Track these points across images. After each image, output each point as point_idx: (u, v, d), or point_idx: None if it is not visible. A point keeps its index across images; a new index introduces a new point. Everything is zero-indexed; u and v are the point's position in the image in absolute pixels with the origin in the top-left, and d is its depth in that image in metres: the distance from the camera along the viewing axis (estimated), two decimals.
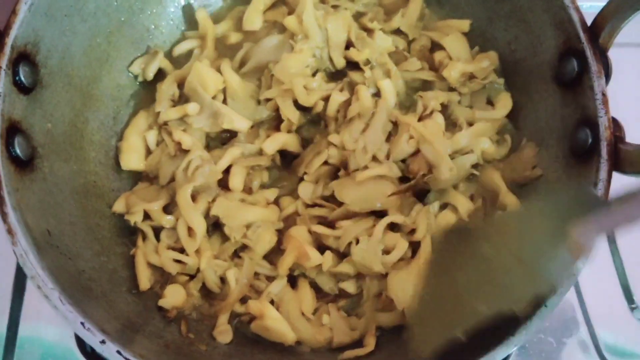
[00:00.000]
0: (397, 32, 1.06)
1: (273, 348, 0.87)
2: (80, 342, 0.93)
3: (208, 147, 0.97)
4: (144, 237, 0.92)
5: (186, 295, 0.89)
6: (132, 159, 0.97)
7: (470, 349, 0.72)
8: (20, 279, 1.00)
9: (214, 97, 0.96)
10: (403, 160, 0.95)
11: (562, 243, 0.67)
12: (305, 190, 0.95)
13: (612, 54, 0.85)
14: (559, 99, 0.89)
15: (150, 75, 1.01)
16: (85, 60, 0.93)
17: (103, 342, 0.68)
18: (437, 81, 1.01)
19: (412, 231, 0.91)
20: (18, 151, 0.76)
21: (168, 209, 0.92)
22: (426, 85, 1.02)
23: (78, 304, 0.70)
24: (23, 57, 0.79)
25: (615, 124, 0.81)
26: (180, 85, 0.99)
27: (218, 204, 0.90)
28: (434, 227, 0.91)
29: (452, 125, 0.97)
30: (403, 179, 0.94)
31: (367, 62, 0.99)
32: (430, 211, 0.92)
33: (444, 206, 0.95)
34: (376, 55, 0.99)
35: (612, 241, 1.07)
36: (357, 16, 1.04)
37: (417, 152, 0.94)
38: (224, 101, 0.97)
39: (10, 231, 0.70)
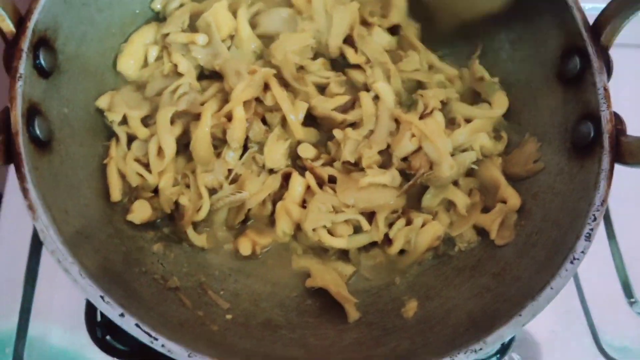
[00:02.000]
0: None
1: (283, 328, 0.88)
2: (92, 329, 0.94)
3: (198, 79, 1.00)
4: (117, 142, 0.95)
5: (151, 209, 0.93)
6: (129, 64, 0.99)
7: (479, 328, 0.75)
8: (31, 275, 1.01)
9: (222, 41, 0.99)
10: (404, 158, 0.97)
11: None
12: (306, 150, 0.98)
13: (612, 54, 0.88)
14: (562, 95, 0.92)
15: (171, 8, 1.02)
16: (101, 49, 0.95)
17: (122, 315, 0.69)
18: (429, 80, 1.04)
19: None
20: (38, 132, 0.77)
21: (145, 121, 0.96)
22: (421, 85, 1.05)
23: (96, 280, 0.70)
24: (43, 42, 0.81)
25: (617, 118, 0.84)
26: (193, 17, 1.01)
27: None
28: (413, 243, 0.95)
29: (450, 123, 1.00)
30: (403, 175, 0.97)
31: (367, 60, 1.02)
32: (414, 225, 0.95)
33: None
34: (376, 54, 1.01)
35: (611, 236, 1.09)
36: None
37: (418, 149, 0.96)
38: (229, 48, 1.00)
39: (31, 207, 0.71)
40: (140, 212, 0.92)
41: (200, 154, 0.93)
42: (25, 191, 0.71)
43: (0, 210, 1.04)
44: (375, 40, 1.03)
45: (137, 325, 0.68)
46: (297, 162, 0.99)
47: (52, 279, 1.00)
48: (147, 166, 0.94)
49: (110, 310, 0.69)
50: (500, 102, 1.02)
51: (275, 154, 0.95)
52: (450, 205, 0.99)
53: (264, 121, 0.98)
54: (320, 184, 0.96)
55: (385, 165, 0.97)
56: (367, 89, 1.01)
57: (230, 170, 0.95)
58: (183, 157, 0.96)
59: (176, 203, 0.94)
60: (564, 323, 1.03)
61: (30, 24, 0.78)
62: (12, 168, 0.90)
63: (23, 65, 0.76)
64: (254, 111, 0.96)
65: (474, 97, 1.06)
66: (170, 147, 0.92)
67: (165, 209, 0.94)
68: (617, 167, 0.81)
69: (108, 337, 0.96)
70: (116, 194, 0.92)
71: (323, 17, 1.01)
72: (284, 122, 0.97)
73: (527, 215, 0.92)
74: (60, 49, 0.85)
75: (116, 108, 0.94)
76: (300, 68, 1.01)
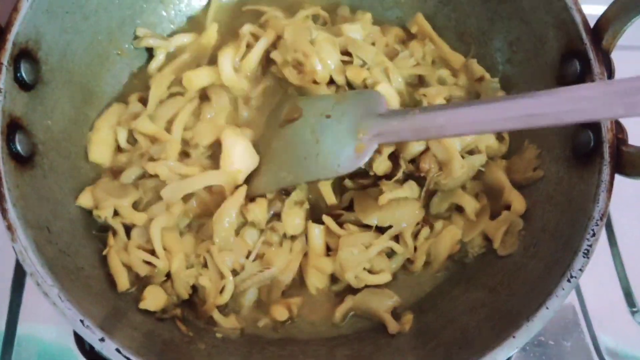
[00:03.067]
0: None
1: (273, 344, 0.87)
2: (79, 340, 0.93)
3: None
4: (114, 235, 0.89)
5: (165, 294, 0.87)
6: (101, 152, 0.94)
7: (473, 347, 0.73)
8: (18, 278, 0.99)
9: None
10: (412, 161, 0.95)
11: (352, 141, 0.85)
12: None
13: (614, 56, 0.85)
14: None
15: (148, 43, 1.00)
16: (87, 57, 0.93)
17: (102, 339, 0.67)
18: (431, 75, 1.02)
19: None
20: (19, 147, 0.76)
21: (135, 205, 0.91)
22: (422, 80, 1.03)
23: (77, 301, 0.69)
24: (24, 54, 0.79)
25: (618, 126, 0.81)
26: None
27: None
28: (433, 253, 0.93)
29: None
30: (412, 178, 0.95)
31: (364, 63, 0.99)
32: (435, 231, 0.94)
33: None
34: (371, 55, 0.99)
35: (613, 244, 1.07)
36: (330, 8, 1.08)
37: (426, 150, 0.94)
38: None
39: (10, 227, 0.70)
40: (154, 299, 0.85)
41: (222, 234, 0.89)
42: (4, 211, 0.70)
43: None
44: (347, 34, 1.02)
45: (117, 350, 0.67)
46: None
47: None
48: (153, 252, 0.88)
49: (90, 334, 0.67)
50: None
51: (294, 219, 0.92)
52: (458, 210, 0.97)
53: None
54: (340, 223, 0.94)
55: (394, 171, 0.94)
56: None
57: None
58: (190, 235, 0.92)
59: (193, 286, 0.90)
60: (564, 332, 1.01)
61: (10, 37, 0.77)
62: None
63: (3, 80, 0.75)
64: None
65: (474, 98, 1.04)
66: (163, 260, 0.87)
67: (182, 294, 0.88)
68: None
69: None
70: (123, 283, 0.85)
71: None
72: None
73: (525, 226, 0.89)
74: (43, 59, 0.83)
75: (102, 203, 0.88)
76: None
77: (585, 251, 0.75)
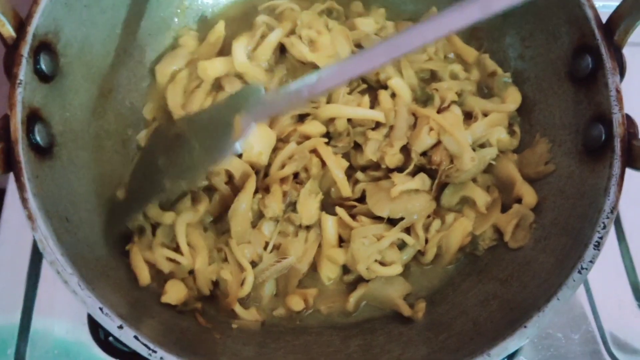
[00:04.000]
0: None
1: (287, 334, 0.88)
2: (94, 330, 0.94)
3: None
4: (141, 233, 0.91)
5: (187, 289, 0.88)
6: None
7: (484, 337, 0.74)
8: (33, 271, 1.00)
9: None
10: (424, 154, 0.96)
11: (230, 129, 0.83)
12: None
13: (625, 52, 0.85)
14: (573, 95, 0.90)
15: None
16: (104, 50, 0.94)
17: (121, 327, 0.68)
18: (443, 70, 1.02)
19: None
20: (38, 138, 0.76)
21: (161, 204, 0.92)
22: (434, 75, 1.04)
23: (96, 290, 0.70)
24: (44, 46, 0.80)
25: (629, 121, 0.81)
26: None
27: None
28: (444, 245, 0.94)
29: (465, 117, 0.97)
30: (424, 170, 0.96)
31: None
32: (447, 223, 0.94)
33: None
34: None
35: (622, 239, 1.07)
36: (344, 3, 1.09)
37: (437, 143, 0.95)
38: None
39: (30, 217, 0.71)
40: (175, 292, 0.87)
41: (237, 228, 0.91)
42: (24, 201, 0.71)
43: (3, 206, 1.04)
44: (360, 28, 1.03)
45: (135, 337, 0.68)
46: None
47: (55, 275, 1.00)
48: (176, 249, 0.90)
49: (109, 322, 0.68)
50: (513, 97, 1.01)
51: (310, 209, 0.93)
52: (469, 203, 0.98)
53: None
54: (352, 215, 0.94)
55: (406, 164, 0.95)
56: (383, 87, 1.00)
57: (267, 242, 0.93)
58: (212, 231, 0.94)
59: (214, 281, 0.91)
60: (572, 326, 1.01)
61: (31, 29, 0.77)
62: None
63: (23, 71, 0.76)
64: None
65: (486, 93, 1.05)
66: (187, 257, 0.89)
67: (204, 291, 0.89)
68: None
69: (111, 338, 0.96)
70: (145, 277, 0.87)
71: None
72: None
73: (536, 220, 0.90)
74: (62, 52, 0.84)
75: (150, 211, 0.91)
76: None
77: (596, 243, 0.76)
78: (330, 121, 0.97)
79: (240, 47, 1.00)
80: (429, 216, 0.94)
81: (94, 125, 0.92)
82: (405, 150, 0.96)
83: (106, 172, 0.92)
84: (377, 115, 0.96)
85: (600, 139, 0.82)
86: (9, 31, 0.77)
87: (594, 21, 0.85)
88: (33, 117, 0.77)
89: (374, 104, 0.99)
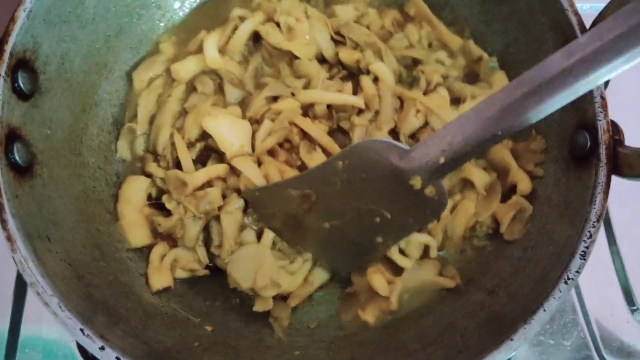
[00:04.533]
0: None
1: (274, 349, 0.88)
2: (82, 346, 0.93)
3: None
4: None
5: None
6: (140, 236, 0.95)
7: (470, 352, 0.73)
8: (21, 281, 1.00)
9: None
10: (412, 136, 0.96)
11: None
12: None
13: None
14: None
15: (140, 152, 1.00)
16: (84, 65, 0.93)
17: (102, 348, 0.68)
18: (427, 57, 1.02)
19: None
20: (17, 158, 0.76)
21: None
22: (416, 62, 1.03)
23: (77, 310, 0.70)
24: (22, 64, 0.79)
25: (615, 128, 0.81)
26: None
27: None
28: (450, 230, 0.95)
29: (451, 102, 0.97)
30: None
31: (357, 45, 1.00)
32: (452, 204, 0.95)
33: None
34: (363, 37, 0.99)
35: (612, 243, 1.07)
36: None
37: (425, 125, 0.95)
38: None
39: (9, 238, 0.70)
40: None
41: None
42: (3, 222, 0.71)
43: None
44: (338, 15, 1.03)
45: (117, 358, 0.67)
46: None
47: None
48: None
49: (90, 343, 0.68)
50: (500, 81, 1.00)
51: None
52: (468, 186, 0.97)
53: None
54: None
55: None
56: (364, 73, 1.00)
57: None
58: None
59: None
60: (564, 332, 1.01)
61: (8, 47, 0.77)
62: None
63: (1, 91, 0.75)
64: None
65: (473, 78, 1.04)
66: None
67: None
68: None
69: None
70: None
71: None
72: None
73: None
74: (41, 69, 0.84)
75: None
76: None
77: (582, 253, 0.75)
78: (309, 106, 0.97)
79: (211, 43, 0.99)
80: None
81: (76, 141, 0.92)
82: (394, 133, 0.96)
83: (89, 188, 0.92)
84: (356, 101, 0.96)
85: (586, 146, 0.81)
86: None
87: (577, 27, 0.84)
88: (12, 137, 0.76)
89: (356, 90, 0.99)
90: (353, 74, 1.01)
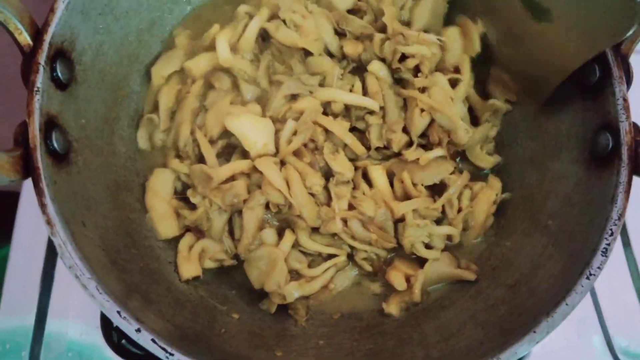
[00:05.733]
0: None
1: (299, 338, 0.90)
2: (107, 333, 0.95)
3: None
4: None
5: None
6: (169, 227, 0.97)
7: (494, 342, 0.75)
8: (47, 274, 1.02)
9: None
10: (423, 134, 0.99)
11: None
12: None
13: (632, 61, 0.86)
14: (580, 103, 0.90)
15: (159, 142, 1.02)
16: (117, 58, 0.95)
17: (138, 330, 0.70)
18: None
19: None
20: (55, 145, 0.78)
21: None
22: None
23: (114, 294, 0.71)
24: (60, 54, 0.81)
25: (636, 129, 0.82)
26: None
27: None
28: (472, 217, 0.98)
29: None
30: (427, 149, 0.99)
31: (357, 36, 1.02)
32: (474, 190, 0.99)
33: None
34: (360, 29, 1.01)
35: (627, 244, 1.08)
36: None
37: (431, 122, 0.98)
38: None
39: (49, 222, 0.72)
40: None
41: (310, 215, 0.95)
42: (43, 206, 0.72)
43: (18, 209, 1.06)
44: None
45: (153, 340, 0.69)
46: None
47: (68, 279, 1.01)
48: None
49: (127, 325, 0.70)
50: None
51: (344, 163, 0.96)
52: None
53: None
54: None
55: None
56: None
57: None
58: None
59: None
60: (578, 332, 1.02)
61: (47, 37, 0.78)
62: None
63: (40, 79, 0.77)
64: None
65: None
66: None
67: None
68: None
69: (124, 341, 0.97)
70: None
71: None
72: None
73: (543, 228, 0.91)
74: (77, 59, 0.85)
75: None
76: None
77: (604, 250, 0.77)
78: (327, 104, 0.98)
79: (223, 41, 1.00)
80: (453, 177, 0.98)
81: (108, 131, 0.94)
82: (405, 129, 0.99)
83: (120, 177, 0.94)
84: (371, 103, 0.98)
85: (608, 147, 0.83)
86: (26, 39, 0.78)
87: None
88: (50, 124, 0.78)
89: (363, 84, 1.01)
90: (359, 68, 1.03)
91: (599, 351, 1.02)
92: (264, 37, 1.03)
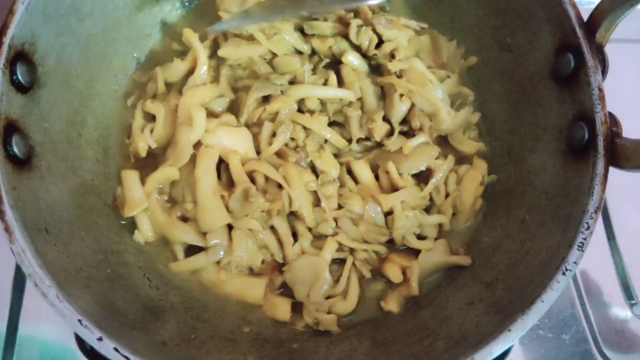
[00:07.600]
0: None
1: (272, 343, 0.88)
2: (80, 340, 0.93)
3: None
4: None
5: None
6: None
7: (469, 342, 0.73)
8: (19, 279, 1.00)
9: None
10: (404, 121, 0.98)
11: None
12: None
13: (609, 49, 0.85)
14: (556, 94, 0.89)
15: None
16: (83, 59, 0.93)
17: (100, 339, 0.68)
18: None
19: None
20: (16, 150, 0.76)
21: None
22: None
23: (75, 301, 0.70)
24: (20, 56, 0.79)
25: (612, 119, 0.81)
26: None
27: None
28: (460, 200, 0.97)
29: None
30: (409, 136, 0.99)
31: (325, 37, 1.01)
32: (460, 173, 0.98)
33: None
34: (328, 29, 1.00)
35: (611, 237, 1.07)
36: None
37: (412, 107, 0.97)
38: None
39: (7, 229, 0.70)
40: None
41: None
42: (1, 213, 0.71)
43: None
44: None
45: (115, 349, 0.67)
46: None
47: None
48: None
49: (88, 334, 0.68)
50: None
51: (329, 160, 0.95)
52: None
53: None
54: None
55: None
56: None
57: None
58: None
59: None
60: (563, 326, 1.01)
61: (6, 39, 0.77)
62: None
63: None
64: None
65: None
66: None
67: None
68: None
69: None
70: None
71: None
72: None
73: (520, 223, 0.90)
74: (40, 62, 0.84)
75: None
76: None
77: (580, 244, 0.75)
78: (301, 101, 0.98)
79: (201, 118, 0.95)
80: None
81: (75, 134, 0.92)
82: (386, 118, 0.98)
83: (87, 181, 0.92)
84: (346, 94, 0.97)
85: (584, 138, 0.82)
86: None
87: (575, 19, 0.84)
88: (10, 129, 0.76)
89: (339, 77, 1.00)
90: (333, 63, 1.02)
91: (584, 346, 1.01)
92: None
